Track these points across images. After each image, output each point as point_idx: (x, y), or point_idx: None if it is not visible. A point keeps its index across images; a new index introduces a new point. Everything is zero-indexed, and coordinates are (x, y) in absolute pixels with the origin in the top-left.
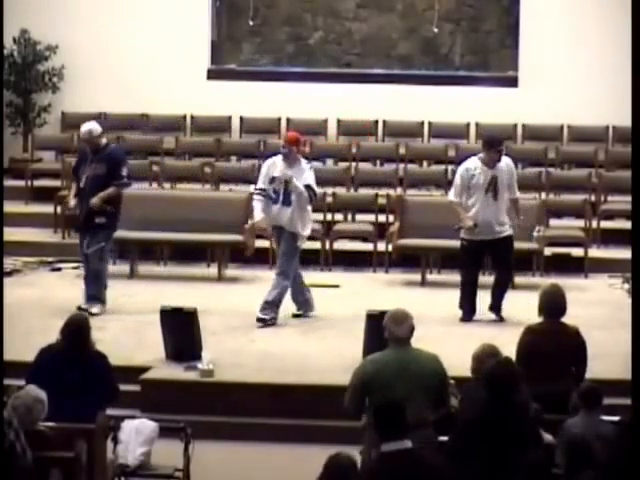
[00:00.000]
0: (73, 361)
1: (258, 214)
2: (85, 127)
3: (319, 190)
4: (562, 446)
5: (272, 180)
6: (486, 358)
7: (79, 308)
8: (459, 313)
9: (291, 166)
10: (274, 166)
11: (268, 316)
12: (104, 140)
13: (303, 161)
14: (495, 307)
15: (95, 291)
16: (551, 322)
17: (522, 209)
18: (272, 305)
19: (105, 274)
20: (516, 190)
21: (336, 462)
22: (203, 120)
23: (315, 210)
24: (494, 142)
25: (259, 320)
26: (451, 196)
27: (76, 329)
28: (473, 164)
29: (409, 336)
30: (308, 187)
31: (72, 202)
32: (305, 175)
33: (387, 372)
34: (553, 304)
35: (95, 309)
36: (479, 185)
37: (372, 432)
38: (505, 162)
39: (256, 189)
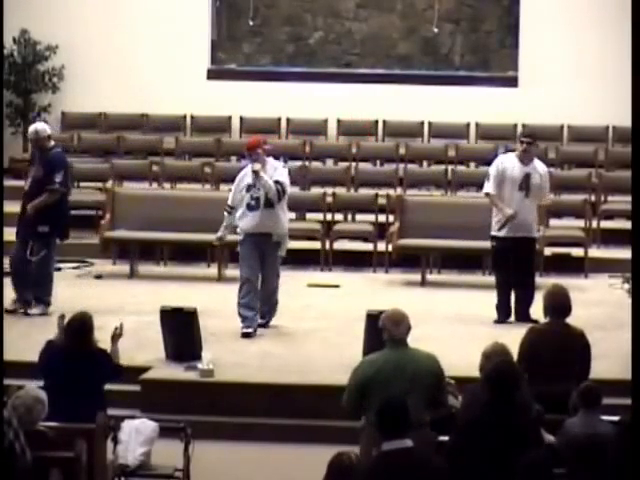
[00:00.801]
0: (75, 359)
1: (221, 230)
2: (32, 127)
3: (320, 190)
4: (564, 446)
5: (248, 188)
6: (496, 357)
7: (26, 313)
8: (460, 313)
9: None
10: (244, 177)
11: (266, 320)
12: (51, 143)
13: (273, 161)
14: (522, 316)
15: (40, 294)
16: (555, 323)
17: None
18: (272, 312)
19: (51, 278)
20: (545, 196)
21: (339, 461)
22: (203, 120)
23: (315, 210)
24: (533, 136)
25: (262, 326)
26: (488, 188)
27: (79, 327)
28: (508, 158)
29: (406, 336)
30: (277, 183)
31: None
32: (277, 172)
33: (385, 372)
34: (557, 304)
35: (37, 310)
36: (513, 179)
37: (371, 432)
38: (543, 167)
39: (227, 205)
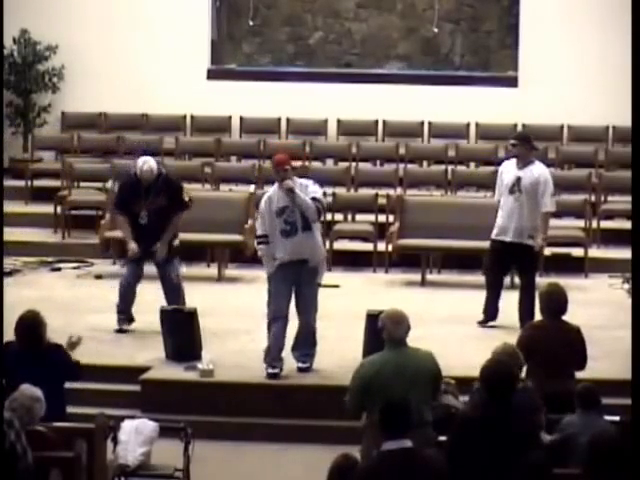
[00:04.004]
0: (28, 359)
1: (270, 266)
2: (147, 165)
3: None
4: (561, 445)
5: (281, 212)
6: (504, 357)
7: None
8: (460, 313)
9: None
10: (273, 199)
11: (309, 363)
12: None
13: (301, 180)
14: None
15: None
16: (552, 320)
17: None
18: (313, 354)
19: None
20: (547, 203)
21: (342, 463)
22: (203, 120)
23: None
24: (521, 138)
25: (302, 370)
26: (495, 195)
27: (29, 327)
28: (507, 163)
29: (406, 336)
30: (314, 199)
31: (133, 245)
32: (310, 189)
33: (386, 373)
34: (553, 302)
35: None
36: (506, 183)
37: (372, 432)
38: (539, 170)
39: (258, 236)
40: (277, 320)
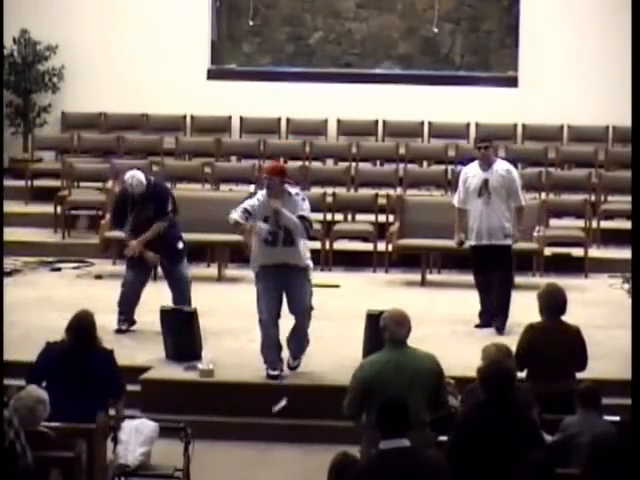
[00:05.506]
0: (79, 359)
1: (238, 214)
2: (136, 179)
3: (320, 190)
4: (562, 445)
5: (265, 220)
6: (501, 358)
7: None
8: (460, 313)
9: (277, 199)
10: (262, 206)
11: (298, 362)
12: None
13: (292, 191)
14: (497, 327)
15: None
16: (551, 321)
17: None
18: (304, 351)
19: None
20: (520, 198)
21: (342, 461)
22: (203, 120)
23: (315, 210)
24: (477, 141)
25: (293, 368)
26: (454, 201)
27: (82, 327)
28: (471, 167)
29: (407, 337)
30: (302, 218)
31: (150, 253)
32: (299, 206)
33: (386, 373)
34: (552, 303)
35: None
36: (474, 187)
37: (372, 432)
38: (504, 167)
39: (244, 208)
40: (267, 322)
